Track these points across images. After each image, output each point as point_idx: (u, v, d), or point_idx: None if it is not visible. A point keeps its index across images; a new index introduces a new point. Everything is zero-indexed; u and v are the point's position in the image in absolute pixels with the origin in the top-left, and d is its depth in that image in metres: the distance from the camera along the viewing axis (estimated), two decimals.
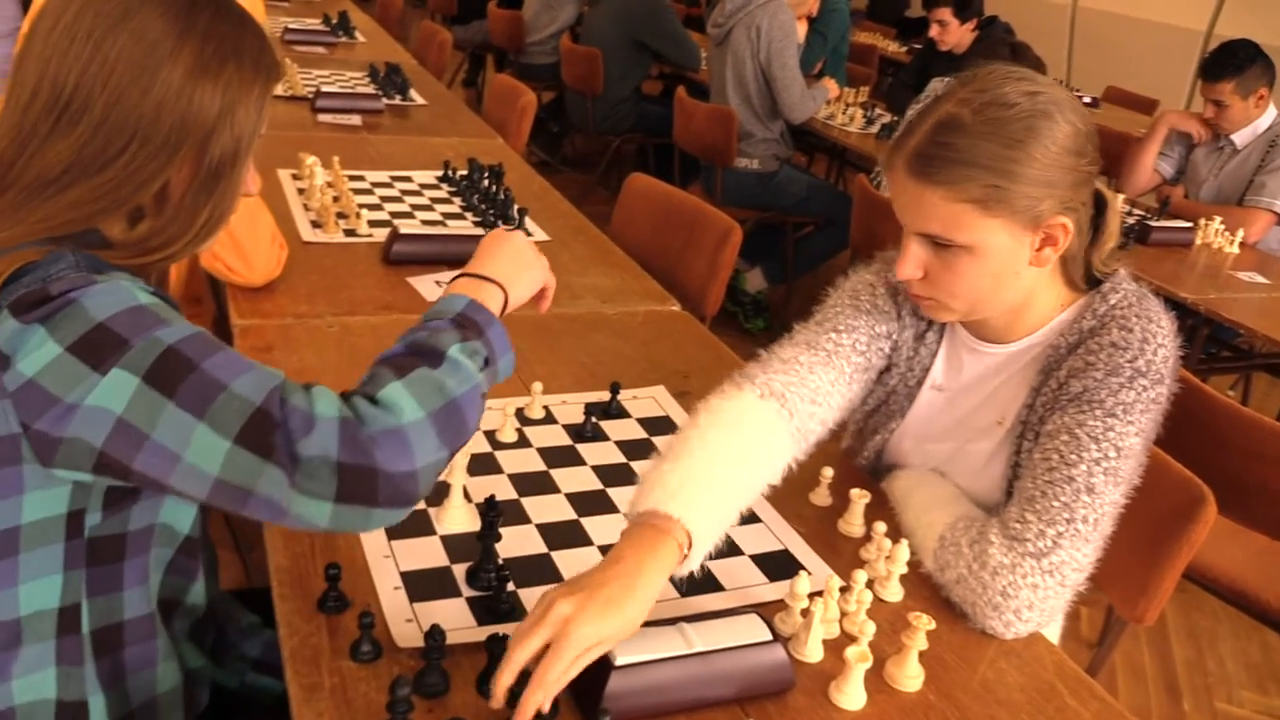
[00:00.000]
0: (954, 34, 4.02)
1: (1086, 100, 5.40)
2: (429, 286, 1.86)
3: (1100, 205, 1.22)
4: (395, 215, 2.19)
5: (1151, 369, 1.17)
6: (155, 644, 1.04)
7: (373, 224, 2.10)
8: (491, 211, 2.24)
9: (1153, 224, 3.01)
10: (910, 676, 1.06)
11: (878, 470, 1.49)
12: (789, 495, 1.37)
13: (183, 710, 1.09)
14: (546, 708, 0.89)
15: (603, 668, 0.95)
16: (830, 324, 1.31)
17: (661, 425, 1.52)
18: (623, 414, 1.53)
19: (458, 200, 2.34)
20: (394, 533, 1.18)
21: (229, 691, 1.22)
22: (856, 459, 1.45)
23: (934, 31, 4.07)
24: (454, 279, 1.09)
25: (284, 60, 3.24)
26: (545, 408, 1.50)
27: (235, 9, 0.99)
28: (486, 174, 2.38)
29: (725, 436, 1.13)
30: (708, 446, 1.10)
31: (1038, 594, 1.11)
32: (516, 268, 1.12)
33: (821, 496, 1.37)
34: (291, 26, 3.94)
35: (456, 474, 1.22)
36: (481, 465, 1.34)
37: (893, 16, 8.07)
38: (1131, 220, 3.06)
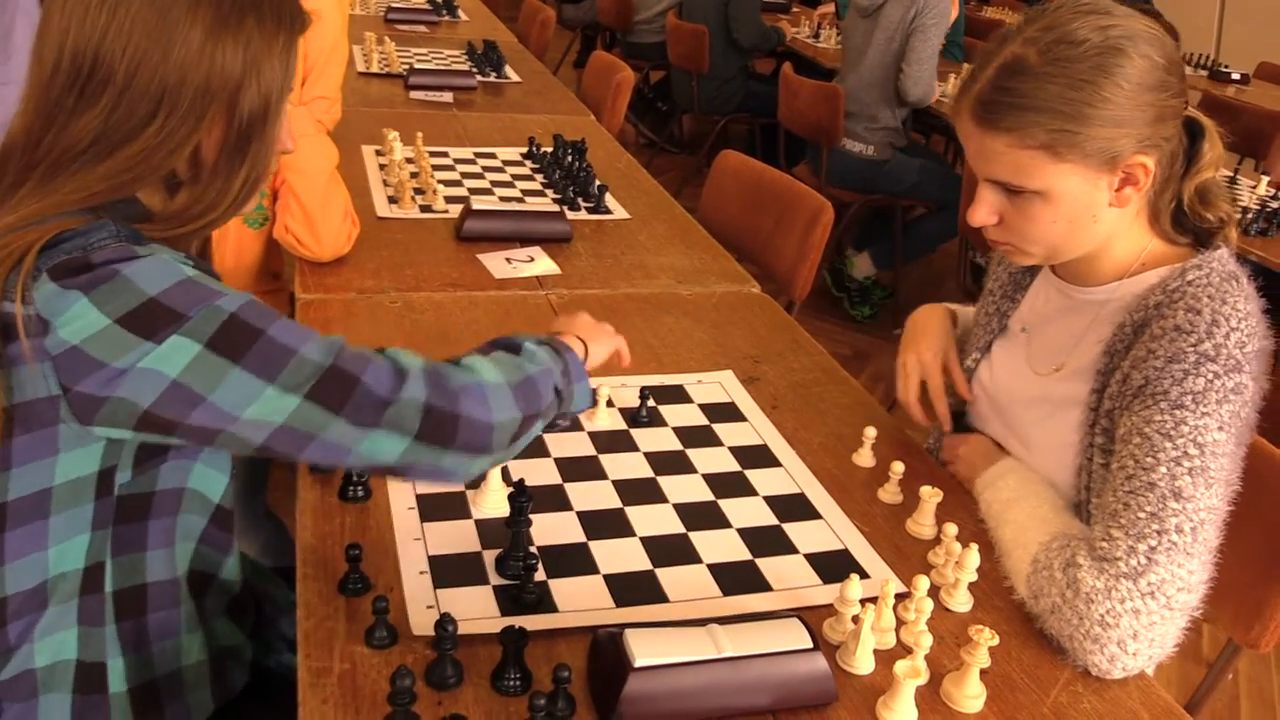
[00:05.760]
0: None
1: (1235, 77, 5.02)
2: (499, 264, 1.82)
3: (1195, 133, 1.11)
4: (474, 192, 2.15)
5: (1222, 354, 1.03)
6: (178, 613, 1.02)
7: (450, 200, 2.06)
8: (572, 188, 2.18)
9: None
10: (970, 696, 0.96)
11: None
12: (856, 491, 1.27)
13: (209, 687, 1.07)
14: None
15: (621, 668, 0.88)
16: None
17: (725, 412, 1.43)
18: (684, 399, 1.45)
19: (539, 177, 2.30)
20: (428, 514, 1.14)
21: (266, 669, 1.20)
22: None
23: None
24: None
25: (383, 39, 3.26)
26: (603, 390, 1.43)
27: None
28: (569, 150, 2.32)
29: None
30: None
31: (1141, 621, 0.98)
32: (592, 331, 1.23)
33: (891, 493, 1.26)
34: (395, 6, 3.96)
35: None
36: (528, 448, 1.28)
37: None
38: (1278, 205, 2.80)
